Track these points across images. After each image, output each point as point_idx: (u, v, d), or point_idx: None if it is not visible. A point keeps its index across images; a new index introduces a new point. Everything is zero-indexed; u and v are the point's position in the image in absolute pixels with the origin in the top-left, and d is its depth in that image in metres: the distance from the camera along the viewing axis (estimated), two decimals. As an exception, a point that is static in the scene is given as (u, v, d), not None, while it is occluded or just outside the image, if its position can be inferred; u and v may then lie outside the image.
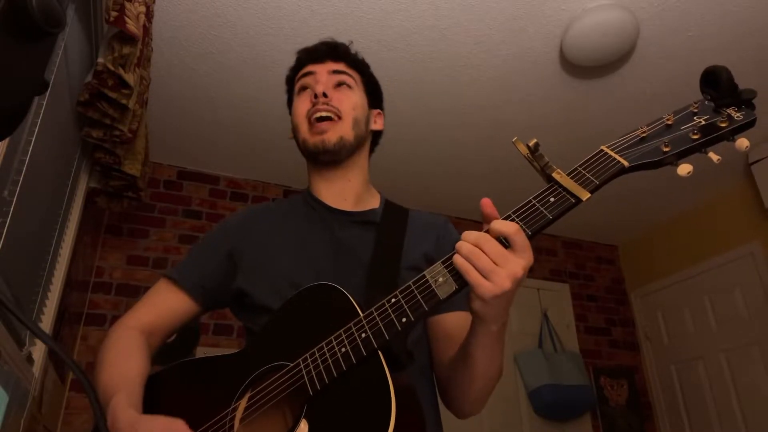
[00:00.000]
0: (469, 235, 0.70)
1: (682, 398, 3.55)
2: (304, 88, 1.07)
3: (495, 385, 0.87)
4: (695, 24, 2.21)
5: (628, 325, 3.96)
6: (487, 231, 0.71)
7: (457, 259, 0.69)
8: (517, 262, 0.67)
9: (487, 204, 0.73)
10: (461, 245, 0.69)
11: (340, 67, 1.08)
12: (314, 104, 1.02)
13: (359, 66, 1.12)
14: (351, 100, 1.05)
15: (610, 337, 3.86)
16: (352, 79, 1.08)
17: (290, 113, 1.14)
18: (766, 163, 3.01)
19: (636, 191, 3.40)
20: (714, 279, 3.45)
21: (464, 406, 0.91)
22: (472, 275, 0.68)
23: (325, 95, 1.02)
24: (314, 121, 1.02)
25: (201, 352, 2.54)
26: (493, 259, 0.67)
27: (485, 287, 0.67)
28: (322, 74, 1.05)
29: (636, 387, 3.72)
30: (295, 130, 1.07)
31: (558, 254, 3.98)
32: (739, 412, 3.18)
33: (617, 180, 0.73)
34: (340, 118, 1.02)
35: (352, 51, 1.12)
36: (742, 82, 0.72)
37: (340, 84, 1.06)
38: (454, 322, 0.95)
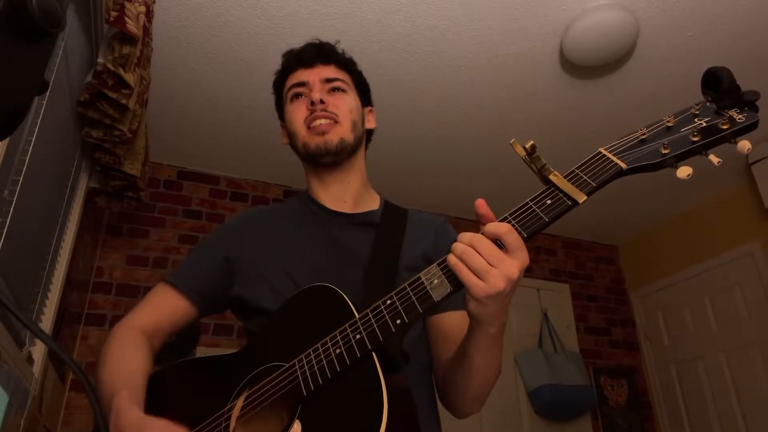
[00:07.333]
0: (464, 236, 0.70)
1: (682, 398, 3.55)
2: (298, 96, 1.07)
3: (493, 385, 0.87)
4: (695, 24, 2.21)
5: (628, 325, 3.96)
6: (482, 233, 0.71)
7: (451, 259, 0.69)
8: (512, 263, 0.67)
9: (481, 205, 0.72)
10: (456, 246, 0.70)
11: (331, 72, 1.08)
12: (312, 111, 1.02)
13: (348, 66, 1.12)
14: (347, 104, 1.06)
15: (610, 337, 3.86)
16: (344, 83, 1.08)
17: (280, 117, 1.14)
18: (766, 163, 3.01)
19: (636, 191, 3.39)
20: (714, 279, 3.45)
21: (462, 406, 0.91)
22: (466, 275, 0.68)
23: (322, 101, 1.02)
24: (313, 126, 1.02)
25: (201, 352, 2.54)
26: (487, 259, 0.67)
27: (479, 287, 0.67)
28: (315, 83, 1.05)
29: (636, 387, 3.72)
30: (292, 136, 1.07)
31: (558, 254, 3.98)
32: (739, 412, 3.18)
33: (617, 179, 0.73)
34: (337, 122, 1.03)
35: (339, 50, 1.11)
36: (742, 82, 0.71)
37: (334, 89, 1.06)
38: (453, 321, 0.95)
